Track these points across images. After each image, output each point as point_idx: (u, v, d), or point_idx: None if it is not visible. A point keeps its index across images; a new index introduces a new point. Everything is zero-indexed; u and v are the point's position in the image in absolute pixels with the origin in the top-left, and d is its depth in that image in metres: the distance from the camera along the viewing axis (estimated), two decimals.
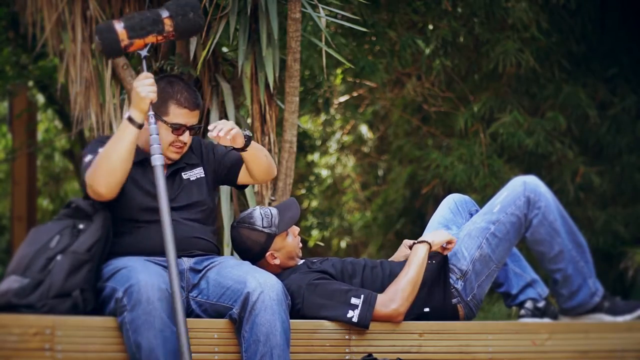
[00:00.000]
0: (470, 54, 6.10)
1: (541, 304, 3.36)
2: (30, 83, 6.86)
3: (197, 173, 3.14)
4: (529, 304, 3.37)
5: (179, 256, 2.93)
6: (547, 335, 3.16)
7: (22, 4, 4.46)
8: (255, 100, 3.92)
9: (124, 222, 2.99)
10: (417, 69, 6.16)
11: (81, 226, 2.90)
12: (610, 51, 6.03)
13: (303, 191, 7.81)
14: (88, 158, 2.95)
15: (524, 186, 3.23)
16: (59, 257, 2.83)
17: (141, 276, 2.75)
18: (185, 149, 3.09)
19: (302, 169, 7.82)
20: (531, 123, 5.62)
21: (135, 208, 2.99)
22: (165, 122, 2.99)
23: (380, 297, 3.02)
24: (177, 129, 3.01)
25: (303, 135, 7.12)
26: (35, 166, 8.00)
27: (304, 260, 3.23)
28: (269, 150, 3.94)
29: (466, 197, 3.54)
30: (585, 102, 5.70)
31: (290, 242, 3.17)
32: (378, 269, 3.17)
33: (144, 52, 2.90)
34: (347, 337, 2.99)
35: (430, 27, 5.78)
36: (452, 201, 3.49)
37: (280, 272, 3.15)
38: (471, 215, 3.45)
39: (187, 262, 2.99)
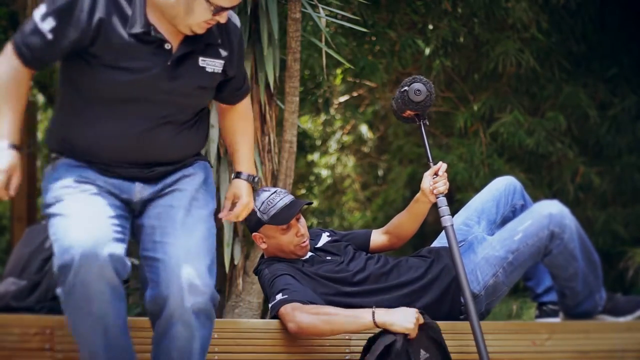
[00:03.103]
0: (470, 54, 6.09)
1: (557, 307, 3.37)
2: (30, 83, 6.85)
3: (216, 65, 2.56)
4: (547, 307, 3.38)
5: (134, 177, 2.52)
6: (547, 335, 3.16)
7: (22, 4, 4.46)
8: (256, 100, 3.91)
9: (94, 105, 2.45)
10: (417, 69, 6.16)
11: None
12: (610, 51, 6.02)
13: (303, 191, 7.81)
14: None
15: (549, 219, 3.15)
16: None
17: (79, 241, 2.26)
18: None
19: (302, 169, 7.83)
20: (531, 123, 5.61)
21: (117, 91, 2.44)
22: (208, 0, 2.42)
23: (297, 308, 2.86)
24: (219, 12, 2.43)
25: (303, 135, 7.12)
26: (35, 166, 7.99)
27: (311, 255, 3.21)
28: (269, 151, 3.94)
29: (517, 185, 3.43)
30: (585, 102, 5.70)
31: (284, 237, 3.11)
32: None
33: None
34: (347, 337, 2.99)
35: (430, 27, 5.77)
36: (500, 188, 3.40)
37: (280, 259, 3.14)
38: (514, 210, 3.38)
39: (139, 190, 2.53)
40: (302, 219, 3.18)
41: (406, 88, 3.09)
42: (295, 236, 3.12)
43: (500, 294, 3.21)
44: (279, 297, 2.91)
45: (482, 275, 3.16)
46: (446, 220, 3.00)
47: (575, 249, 3.17)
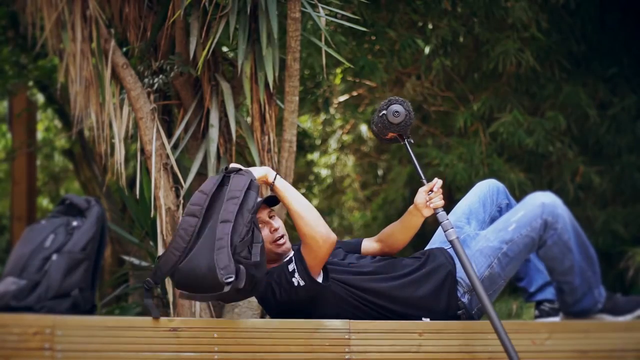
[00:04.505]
0: (470, 53, 6.09)
1: (556, 304, 3.36)
2: (30, 82, 6.86)
3: None
4: (545, 306, 3.37)
5: None
6: (547, 334, 3.16)
7: (22, 4, 4.45)
8: (255, 99, 3.91)
9: None
10: (417, 68, 6.16)
11: (75, 223, 2.88)
12: (610, 51, 6.02)
13: (303, 190, 7.81)
14: None
15: (542, 208, 3.15)
16: (54, 257, 2.82)
17: None
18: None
19: (302, 168, 7.83)
20: (531, 122, 5.61)
21: None
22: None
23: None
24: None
25: (303, 135, 7.13)
26: (35, 166, 8.00)
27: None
28: (269, 150, 3.94)
29: (500, 186, 3.46)
30: (585, 102, 5.70)
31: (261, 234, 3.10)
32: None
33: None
34: (347, 336, 2.99)
35: (430, 26, 5.77)
36: (484, 190, 3.42)
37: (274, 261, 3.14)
38: (500, 210, 3.40)
39: None
40: (277, 217, 3.20)
41: (384, 112, 3.08)
42: (270, 232, 3.15)
43: (497, 287, 3.21)
44: (299, 279, 2.97)
45: (477, 267, 3.16)
46: (450, 234, 3.00)
47: (570, 240, 3.17)
